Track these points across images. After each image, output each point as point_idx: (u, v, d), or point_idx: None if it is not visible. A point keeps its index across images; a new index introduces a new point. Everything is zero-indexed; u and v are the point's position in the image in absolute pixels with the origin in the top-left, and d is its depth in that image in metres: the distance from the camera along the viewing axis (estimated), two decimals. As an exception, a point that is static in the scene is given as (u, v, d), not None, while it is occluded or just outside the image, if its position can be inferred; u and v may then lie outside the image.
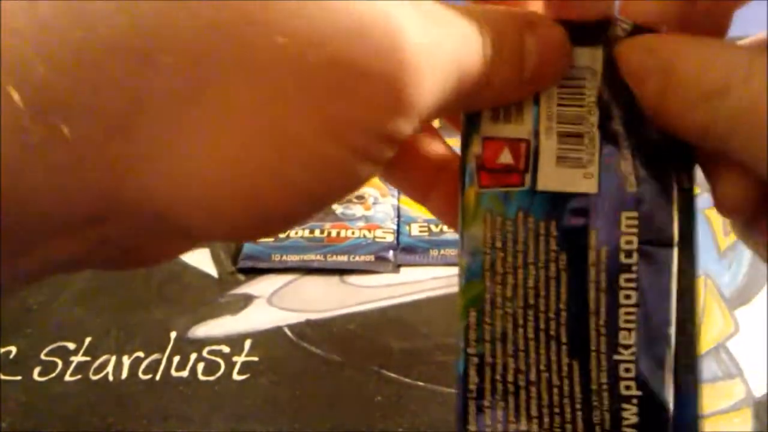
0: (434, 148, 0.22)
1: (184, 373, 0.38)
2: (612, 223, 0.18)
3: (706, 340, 0.40)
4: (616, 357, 0.18)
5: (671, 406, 0.18)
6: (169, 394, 0.37)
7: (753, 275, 0.45)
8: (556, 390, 0.18)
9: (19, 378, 0.38)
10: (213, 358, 0.39)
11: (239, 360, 0.39)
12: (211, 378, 0.38)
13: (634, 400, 0.18)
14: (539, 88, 0.18)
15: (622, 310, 0.18)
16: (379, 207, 0.52)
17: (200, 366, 0.39)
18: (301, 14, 0.13)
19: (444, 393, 0.37)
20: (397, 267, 0.47)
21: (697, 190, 0.19)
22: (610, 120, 0.18)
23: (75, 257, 0.14)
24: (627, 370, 0.18)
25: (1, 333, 0.41)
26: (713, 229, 0.49)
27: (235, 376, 0.38)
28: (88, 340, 0.41)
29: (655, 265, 0.18)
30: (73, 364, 0.39)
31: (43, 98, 0.12)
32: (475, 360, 0.18)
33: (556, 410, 0.18)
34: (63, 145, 0.12)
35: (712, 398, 0.37)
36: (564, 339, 0.18)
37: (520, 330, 0.18)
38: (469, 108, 0.18)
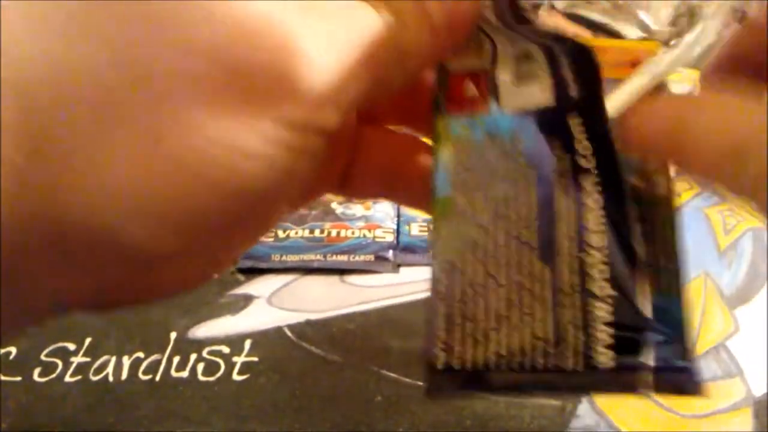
0: (395, 139, 0.24)
1: (184, 374, 0.38)
2: (566, 130, 0.19)
3: (706, 340, 0.40)
4: (588, 259, 0.18)
5: (646, 305, 0.18)
6: (169, 394, 0.37)
7: (753, 275, 0.45)
8: (526, 292, 0.18)
9: (19, 378, 0.38)
10: (213, 358, 0.39)
11: (239, 360, 0.39)
12: (211, 378, 0.38)
13: (609, 300, 0.18)
14: (458, 36, 0.19)
15: (590, 214, 0.19)
16: (379, 206, 0.52)
17: (200, 366, 0.39)
18: (191, 29, 0.14)
19: (444, 393, 0.37)
20: (397, 267, 0.47)
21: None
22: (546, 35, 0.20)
23: (47, 295, 0.15)
24: (600, 271, 0.18)
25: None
26: (713, 228, 0.49)
27: (235, 376, 0.38)
28: (88, 340, 0.41)
29: (612, 170, 0.19)
30: (74, 365, 0.39)
31: None
32: (446, 266, 0.19)
33: (527, 310, 0.18)
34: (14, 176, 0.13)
35: (712, 398, 0.37)
36: (535, 245, 0.19)
37: (491, 238, 0.19)
38: (402, 80, 0.19)
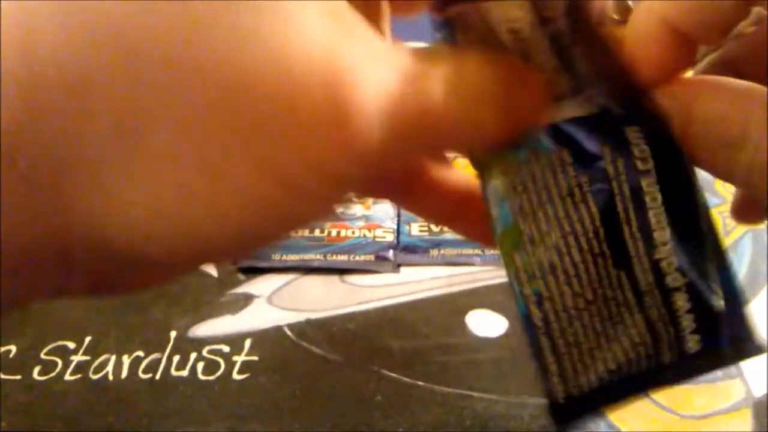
0: (454, 179, 0.22)
1: (184, 373, 0.38)
2: (620, 137, 0.19)
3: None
4: (657, 256, 0.19)
5: (717, 287, 0.19)
6: (169, 393, 0.37)
7: (753, 275, 0.45)
8: (612, 302, 0.19)
9: (19, 377, 0.38)
10: (213, 357, 0.39)
11: (239, 359, 0.39)
12: (211, 377, 0.38)
13: (683, 288, 0.19)
14: (510, 133, 0.18)
15: (651, 212, 0.19)
16: (379, 206, 0.52)
17: (200, 365, 0.39)
18: (229, 59, 0.13)
19: (444, 393, 0.37)
20: (397, 267, 0.47)
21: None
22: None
23: (47, 288, 0.15)
24: (669, 264, 0.19)
25: (1, 333, 0.41)
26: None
27: (235, 376, 0.38)
28: (88, 339, 0.41)
29: (670, 166, 0.19)
30: (73, 364, 0.39)
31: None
32: (534, 298, 0.19)
33: (617, 319, 0.19)
34: (20, 182, 0.12)
35: (712, 398, 0.37)
36: (607, 253, 0.19)
37: (566, 257, 0.19)
38: (438, 147, 0.19)
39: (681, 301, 0.19)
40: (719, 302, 0.19)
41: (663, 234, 0.19)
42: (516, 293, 0.19)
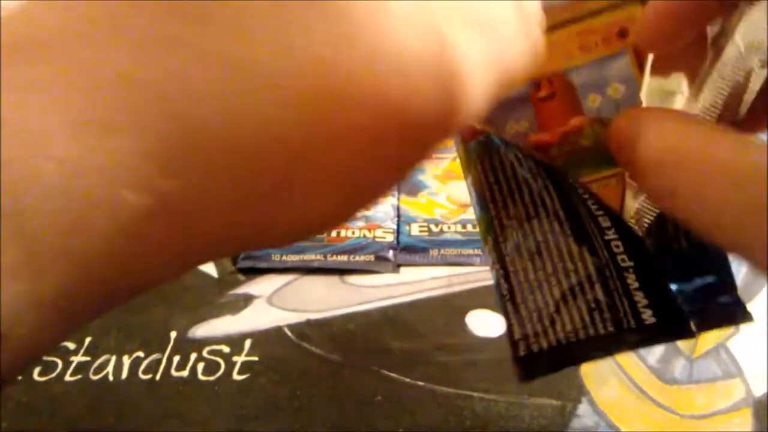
0: None
1: (184, 373, 0.38)
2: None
3: (706, 340, 0.40)
4: (607, 237, 0.21)
5: (675, 263, 0.21)
6: (169, 394, 0.37)
7: (753, 275, 0.45)
8: (573, 273, 0.21)
9: (19, 378, 0.38)
10: (213, 358, 0.39)
11: (239, 360, 0.39)
12: (211, 378, 0.38)
13: (630, 270, 0.21)
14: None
15: (590, 201, 0.21)
16: (379, 207, 0.52)
17: (200, 366, 0.39)
18: (380, 90, 0.13)
19: (444, 393, 0.37)
20: (397, 267, 0.47)
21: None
22: None
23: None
24: (617, 246, 0.21)
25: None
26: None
27: (235, 376, 0.38)
28: (88, 340, 0.41)
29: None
30: (73, 364, 0.39)
31: (165, 204, 0.13)
32: (501, 272, 0.22)
33: (577, 288, 0.21)
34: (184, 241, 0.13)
35: (712, 398, 0.37)
36: (568, 231, 0.21)
37: (530, 237, 0.22)
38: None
39: (630, 280, 0.20)
40: (680, 278, 0.21)
41: (605, 219, 0.21)
42: (490, 268, 0.22)
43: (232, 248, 0.15)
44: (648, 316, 0.20)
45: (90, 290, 0.13)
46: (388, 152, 0.14)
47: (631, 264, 0.21)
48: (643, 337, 0.20)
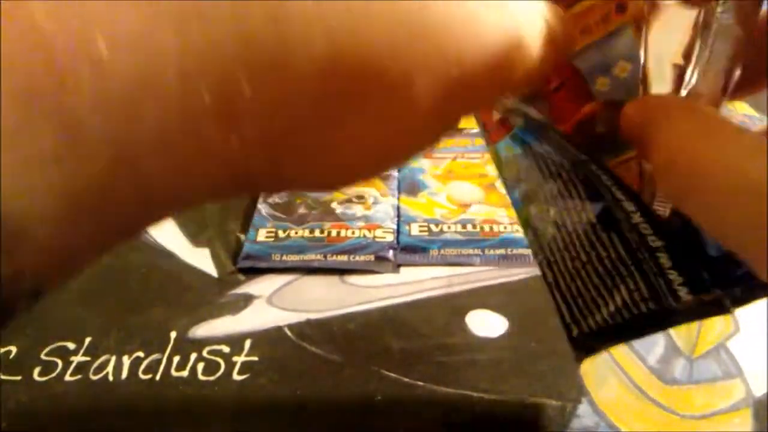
0: None
1: (184, 373, 0.38)
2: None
3: (706, 340, 0.40)
4: (633, 221, 0.21)
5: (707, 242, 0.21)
6: (169, 393, 0.37)
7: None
8: (607, 260, 0.22)
9: (19, 378, 0.38)
10: (213, 358, 0.39)
11: (239, 360, 0.39)
12: (211, 378, 0.38)
13: (662, 249, 0.21)
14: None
15: (614, 187, 0.21)
16: (379, 207, 0.52)
17: (200, 366, 0.39)
18: (436, 52, 0.14)
19: (444, 393, 0.37)
20: (397, 267, 0.47)
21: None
22: None
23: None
24: (645, 228, 0.21)
25: (1, 333, 0.41)
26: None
27: (235, 376, 0.38)
28: (88, 340, 0.41)
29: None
30: (73, 364, 0.39)
31: (232, 107, 0.12)
32: (545, 263, 0.23)
33: (614, 272, 0.22)
34: (235, 145, 0.13)
35: (712, 398, 0.37)
36: (594, 220, 0.22)
37: (563, 229, 0.22)
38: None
39: (663, 260, 0.21)
40: (710, 256, 0.21)
41: (630, 204, 0.21)
42: (534, 257, 0.24)
43: (273, 182, 0.16)
44: (684, 294, 0.20)
45: (126, 193, 0.12)
46: (450, 103, 0.16)
47: (662, 244, 0.21)
48: (683, 314, 0.21)
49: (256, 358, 0.39)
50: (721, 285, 0.21)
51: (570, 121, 0.22)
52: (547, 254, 0.23)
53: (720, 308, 0.21)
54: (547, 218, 0.23)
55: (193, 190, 0.14)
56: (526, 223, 0.24)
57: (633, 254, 0.21)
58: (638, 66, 0.21)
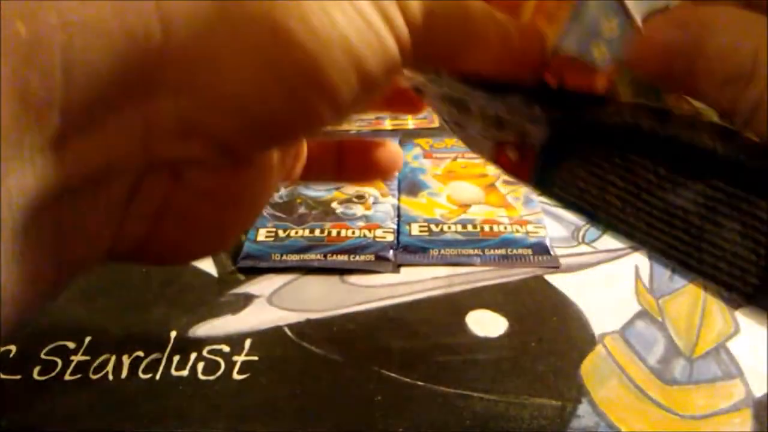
0: None
1: (184, 373, 0.38)
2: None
3: (706, 341, 0.40)
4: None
5: None
6: (169, 393, 0.37)
7: None
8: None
9: (18, 377, 0.38)
10: (213, 357, 0.39)
11: (239, 360, 0.39)
12: (211, 377, 0.38)
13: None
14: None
15: None
16: (379, 207, 0.52)
17: (200, 365, 0.39)
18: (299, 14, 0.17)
19: (444, 393, 0.37)
20: (397, 267, 0.47)
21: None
22: None
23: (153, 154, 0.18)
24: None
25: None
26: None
27: (235, 376, 0.38)
28: (87, 339, 0.41)
29: None
30: (73, 364, 0.39)
31: None
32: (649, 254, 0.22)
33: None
34: None
35: (712, 398, 0.37)
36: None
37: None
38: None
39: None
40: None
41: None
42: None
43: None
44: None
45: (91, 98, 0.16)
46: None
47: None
48: None
49: (256, 358, 0.39)
50: None
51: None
52: (641, 247, 0.21)
53: None
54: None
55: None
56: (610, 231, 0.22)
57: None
58: (623, 16, 0.19)
